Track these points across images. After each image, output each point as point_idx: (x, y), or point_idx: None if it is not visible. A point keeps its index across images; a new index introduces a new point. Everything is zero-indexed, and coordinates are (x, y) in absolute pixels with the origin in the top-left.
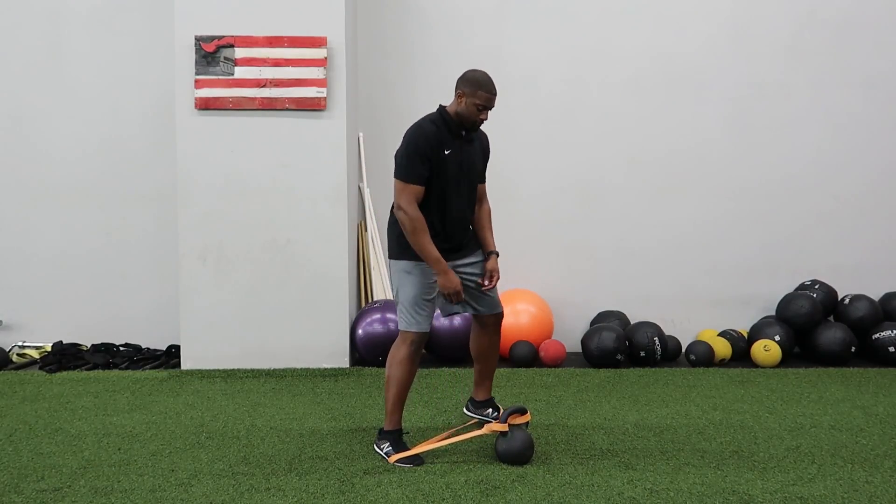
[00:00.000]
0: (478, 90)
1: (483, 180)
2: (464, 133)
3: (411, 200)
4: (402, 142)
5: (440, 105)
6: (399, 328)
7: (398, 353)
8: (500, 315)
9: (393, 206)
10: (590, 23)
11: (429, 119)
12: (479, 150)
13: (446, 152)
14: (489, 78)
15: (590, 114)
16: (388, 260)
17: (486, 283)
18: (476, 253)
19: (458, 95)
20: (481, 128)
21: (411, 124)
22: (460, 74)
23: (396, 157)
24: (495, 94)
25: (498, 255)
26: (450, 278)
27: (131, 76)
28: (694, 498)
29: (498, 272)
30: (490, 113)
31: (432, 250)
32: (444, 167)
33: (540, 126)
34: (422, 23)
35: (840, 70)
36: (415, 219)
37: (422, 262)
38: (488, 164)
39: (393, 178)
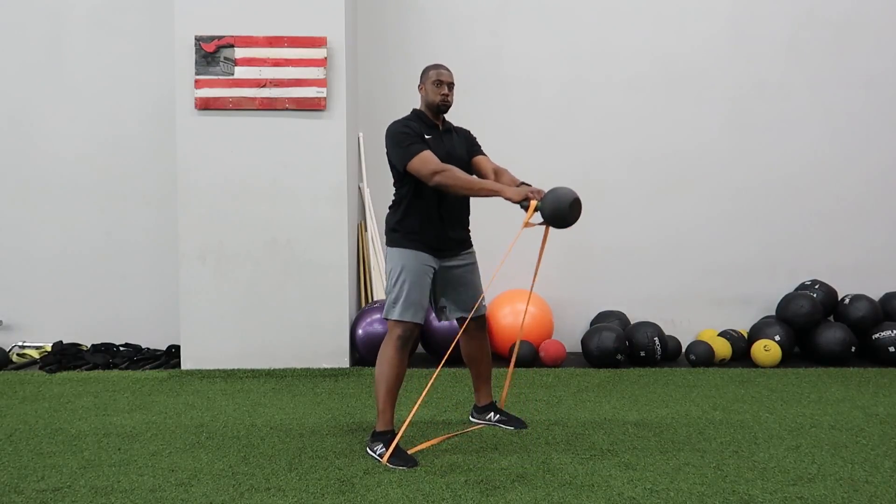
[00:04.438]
0: (428, 72)
1: (483, 153)
2: (440, 126)
3: (431, 162)
4: (390, 138)
5: (413, 108)
6: (386, 317)
7: (385, 351)
8: (483, 318)
9: (396, 198)
10: (590, 23)
11: (405, 117)
12: (462, 140)
13: (427, 136)
14: (437, 62)
15: (590, 114)
16: (384, 248)
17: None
18: (466, 255)
19: (420, 89)
20: (462, 126)
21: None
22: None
23: (393, 149)
24: (446, 69)
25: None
26: (513, 190)
27: (131, 76)
28: (694, 498)
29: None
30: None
31: (479, 180)
32: (432, 150)
33: (540, 126)
34: (422, 23)
35: (840, 70)
36: (449, 168)
37: (419, 252)
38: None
39: (405, 170)
